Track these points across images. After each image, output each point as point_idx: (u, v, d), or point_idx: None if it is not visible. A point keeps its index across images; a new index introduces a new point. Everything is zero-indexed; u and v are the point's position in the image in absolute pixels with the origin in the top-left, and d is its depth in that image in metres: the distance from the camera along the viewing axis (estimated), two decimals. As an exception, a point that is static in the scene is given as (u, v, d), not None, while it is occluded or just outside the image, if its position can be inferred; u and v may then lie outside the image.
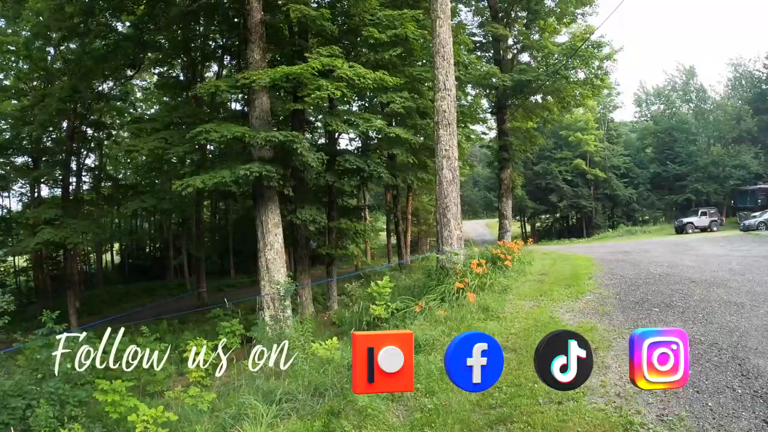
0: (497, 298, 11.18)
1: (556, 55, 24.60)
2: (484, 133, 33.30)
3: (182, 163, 23.92)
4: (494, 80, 24.05)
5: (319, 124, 25.91)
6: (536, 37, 26.59)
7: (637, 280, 12.67)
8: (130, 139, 23.55)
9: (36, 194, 37.25)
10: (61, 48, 26.24)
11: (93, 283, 49.64)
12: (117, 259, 60.39)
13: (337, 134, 21.02)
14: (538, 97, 26.94)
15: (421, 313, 11.25)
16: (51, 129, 29.11)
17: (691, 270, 14.30)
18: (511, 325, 9.14)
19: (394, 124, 20.31)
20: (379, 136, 19.06)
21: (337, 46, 16.99)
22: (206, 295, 32.49)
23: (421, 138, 20.73)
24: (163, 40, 23.68)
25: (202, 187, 16.09)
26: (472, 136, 30.87)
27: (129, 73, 28.05)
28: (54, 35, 24.43)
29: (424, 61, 19.63)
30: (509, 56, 26.81)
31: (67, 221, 24.52)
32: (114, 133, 36.70)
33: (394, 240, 37.41)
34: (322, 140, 26.80)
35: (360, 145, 22.73)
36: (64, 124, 28.92)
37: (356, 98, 21.01)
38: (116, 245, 58.00)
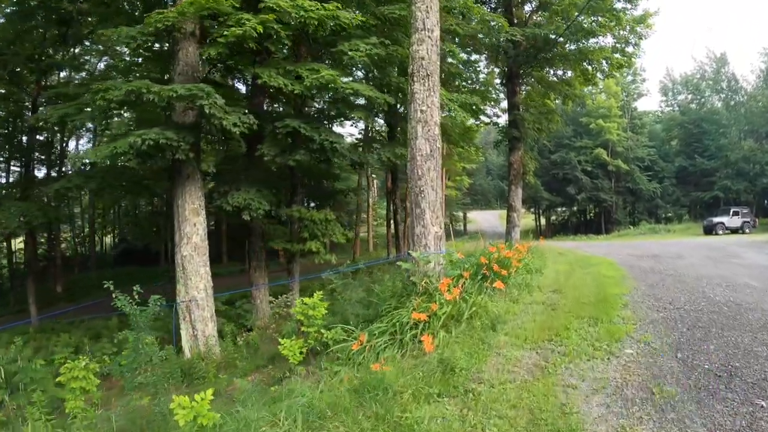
0: (476, 343, 6.73)
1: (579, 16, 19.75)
2: (496, 116, 28.27)
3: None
4: (502, 38, 19.25)
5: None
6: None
7: (698, 316, 8.15)
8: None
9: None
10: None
11: (88, 266, 46.67)
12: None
13: (301, 101, 16.41)
14: (558, 72, 22.13)
15: (360, 353, 7.08)
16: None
17: (763, 295, 9.77)
18: (484, 423, 4.65)
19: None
20: (337, 99, 14.64)
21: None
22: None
23: (394, 101, 16.21)
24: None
25: (95, 161, 11.96)
26: (484, 118, 26.09)
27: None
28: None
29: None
30: (524, 15, 21.58)
31: (7, 204, 20.98)
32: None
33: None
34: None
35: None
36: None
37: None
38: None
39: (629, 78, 58.66)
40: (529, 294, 9.89)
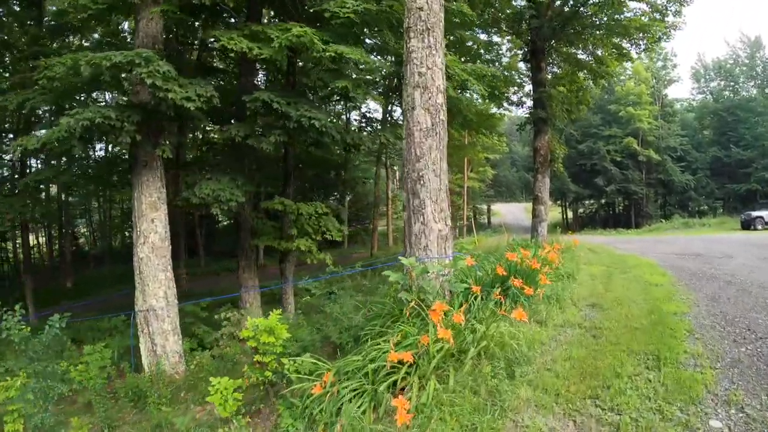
0: (483, 403, 4.43)
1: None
2: (521, 102, 25.37)
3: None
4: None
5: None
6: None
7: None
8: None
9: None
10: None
11: (104, 261, 45.45)
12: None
13: (294, 78, 13.96)
14: (588, 48, 19.26)
15: (320, 401, 5.10)
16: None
17: None
18: None
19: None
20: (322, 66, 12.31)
21: None
22: (185, 282, 26.97)
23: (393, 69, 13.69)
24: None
25: (37, 147, 9.91)
26: (507, 106, 23.40)
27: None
28: None
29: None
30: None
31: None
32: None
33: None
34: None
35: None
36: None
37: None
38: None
39: (659, 63, 55.44)
40: (561, 310, 7.53)
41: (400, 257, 6.58)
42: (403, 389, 4.88)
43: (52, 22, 19.19)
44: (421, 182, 7.37)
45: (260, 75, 23.01)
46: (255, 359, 6.84)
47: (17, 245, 36.26)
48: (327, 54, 10.44)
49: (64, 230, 38.92)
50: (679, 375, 4.99)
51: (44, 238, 44.95)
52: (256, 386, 7.11)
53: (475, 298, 6.18)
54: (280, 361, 6.62)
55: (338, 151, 15.17)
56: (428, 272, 6.43)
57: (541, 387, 4.77)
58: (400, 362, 4.91)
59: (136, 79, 9.90)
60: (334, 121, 15.03)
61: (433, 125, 7.42)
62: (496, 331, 5.46)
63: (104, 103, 23.63)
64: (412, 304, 5.75)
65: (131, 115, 9.78)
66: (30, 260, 30.16)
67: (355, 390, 5.00)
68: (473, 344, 5.18)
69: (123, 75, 10.70)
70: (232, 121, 13.80)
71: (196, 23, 15.80)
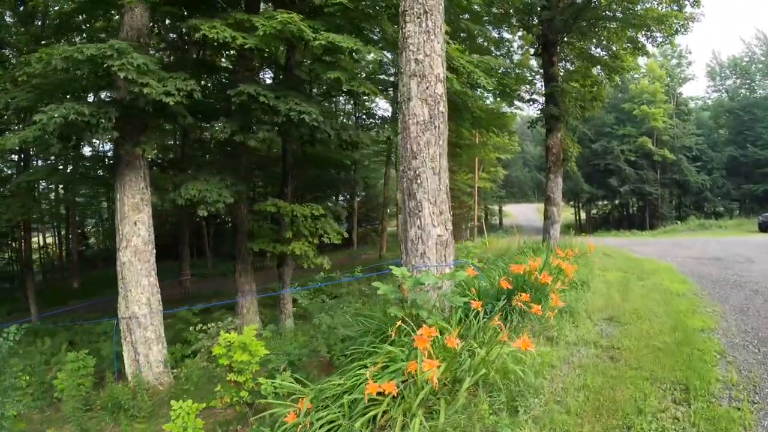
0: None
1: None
2: (533, 100, 24.33)
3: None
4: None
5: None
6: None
7: None
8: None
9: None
10: None
11: (111, 261, 45.56)
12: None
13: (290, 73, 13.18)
14: (602, 42, 18.21)
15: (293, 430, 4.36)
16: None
17: None
18: None
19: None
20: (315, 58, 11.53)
21: None
22: (189, 284, 26.41)
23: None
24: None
25: (14, 147, 9.40)
26: (519, 104, 22.49)
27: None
28: None
29: None
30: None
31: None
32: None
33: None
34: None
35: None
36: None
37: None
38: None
39: (674, 61, 54.29)
40: (574, 325, 6.71)
41: (391, 267, 5.78)
42: (383, 427, 4.10)
43: (56, 21, 18.67)
44: (418, 181, 6.61)
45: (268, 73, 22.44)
46: (229, 378, 6.12)
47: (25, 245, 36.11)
48: (317, 42, 9.66)
49: (71, 230, 38.61)
50: (713, 412, 4.17)
51: (53, 239, 44.84)
52: (232, 406, 6.41)
53: (476, 315, 5.36)
54: (257, 382, 5.90)
55: (345, 151, 14.32)
56: (422, 284, 5.64)
57: (549, 426, 3.98)
58: (382, 393, 4.13)
59: (114, 74, 9.23)
60: (343, 120, 14.27)
61: (431, 118, 6.64)
62: (498, 355, 4.64)
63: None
64: (399, 322, 4.95)
65: (108, 111, 9.09)
66: (32, 261, 29.86)
67: (331, 423, 4.24)
68: (470, 372, 4.38)
69: (99, 72, 10.04)
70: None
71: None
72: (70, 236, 38.91)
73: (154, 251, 10.45)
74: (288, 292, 13.58)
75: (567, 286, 7.49)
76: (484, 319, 5.38)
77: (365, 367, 4.86)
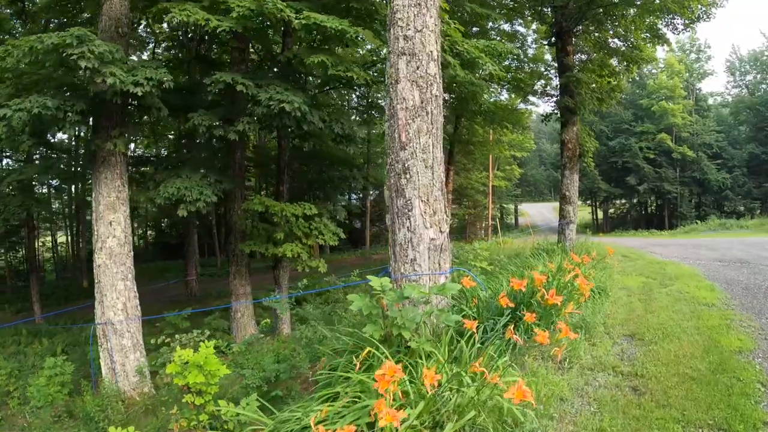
0: None
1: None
2: (548, 95, 23.28)
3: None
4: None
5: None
6: None
7: None
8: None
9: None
10: None
11: None
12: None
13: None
14: (619, 31, 17.01)
15: None
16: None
17: None
18: None
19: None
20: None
21: None
22: (196, 284, 25.61)
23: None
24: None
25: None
26: (533, 100, 21.52)
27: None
28: None
29: None
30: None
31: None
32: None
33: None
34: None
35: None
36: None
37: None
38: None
39: (692, 56, 52.77)
40: (590, 343, 5.70)
41: (370, 277, 4.81)
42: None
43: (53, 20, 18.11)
44: (407, 176, 5.67)
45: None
46: (185, 399, 5.23)
47: (34, 244, 35.93)
48: (298, 22, 8.74)
49: (81, 228, 38.27)
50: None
51: (65, 237, 44.59)
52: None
53: (470, 338, 4.38)
54: (218, 403, 5.03)
55: (339, 144, 13.35)
56: (407, 298, 4.68)
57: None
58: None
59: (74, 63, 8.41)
60: (352, 117, 13.31)
61: (422, 102, 5.69)
62: (488, 392, 3.64)
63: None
64: (369, 348, 3.99)
65: (75, 104, 8.28)
66: (37, 260, 29.48)
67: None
68: (453, 416, 3.40)
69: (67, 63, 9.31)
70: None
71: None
72: (80, 235, 38.49)
73: (132, 253, 9.69)
74: (272, 300, 12.63)
75: (580, 307, 6.38)
76: (480, 342, 4.41)
77: (335, 397, 3.96)
